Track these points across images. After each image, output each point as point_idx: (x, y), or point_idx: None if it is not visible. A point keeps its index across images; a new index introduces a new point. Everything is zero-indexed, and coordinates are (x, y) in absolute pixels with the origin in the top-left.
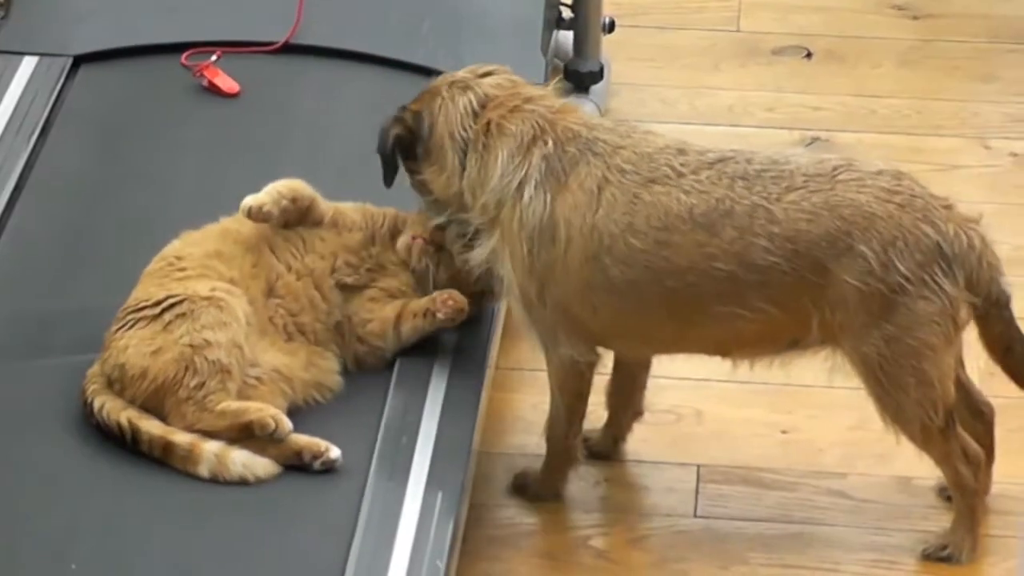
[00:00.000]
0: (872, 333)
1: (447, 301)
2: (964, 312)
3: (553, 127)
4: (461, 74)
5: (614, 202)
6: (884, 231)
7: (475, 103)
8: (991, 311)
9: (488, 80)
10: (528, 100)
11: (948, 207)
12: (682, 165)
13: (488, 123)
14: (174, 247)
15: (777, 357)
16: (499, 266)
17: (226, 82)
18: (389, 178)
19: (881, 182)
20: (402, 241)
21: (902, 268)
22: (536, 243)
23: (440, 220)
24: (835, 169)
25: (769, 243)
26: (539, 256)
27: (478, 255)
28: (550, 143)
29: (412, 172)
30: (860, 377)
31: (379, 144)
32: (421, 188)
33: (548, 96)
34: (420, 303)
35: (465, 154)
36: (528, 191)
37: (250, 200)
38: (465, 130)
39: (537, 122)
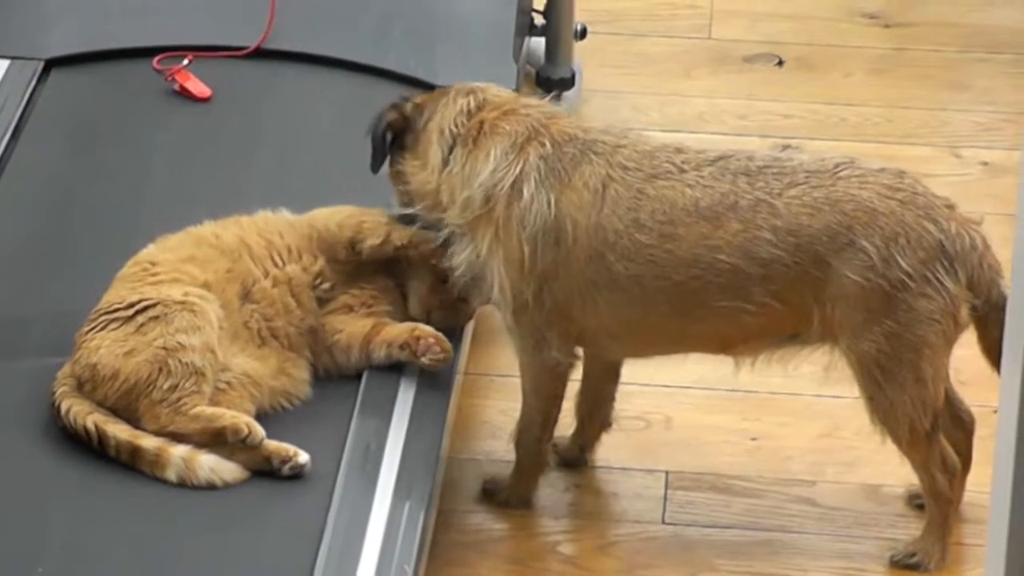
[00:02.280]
0: (872, 329)
1: (433, 347)
2: (964, 313)
3: (548, 129)
4: (474, 84)
5: (618, 199)
6: (886, 227)
7: (472, 104)
8: (991, 314)
9: (493, 88)
10: (525, 106)
11: (950, 207)
12: (683, 162)
13: (481, 122)
14: (149, 252)
15: (777, 351)
16: (486, 269)
17: (198, 86)
18: (377, 163)
19: (883, 179)
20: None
21: (904, 264)
22: (539, 244)
23: (407, 211)
24: (837, 166)
25: (772, 236)
26: (542, 257)
27: (460, 259)
28: (547, 144)
29: (395, 160)
30: (855, 375)
31: (372, 127)
32: (397, 178)
33: (544, 105)
34: (398, 333)
35: (451, 151)
36: (528, 190)
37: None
38: (456, 127)
39: (532, 124)
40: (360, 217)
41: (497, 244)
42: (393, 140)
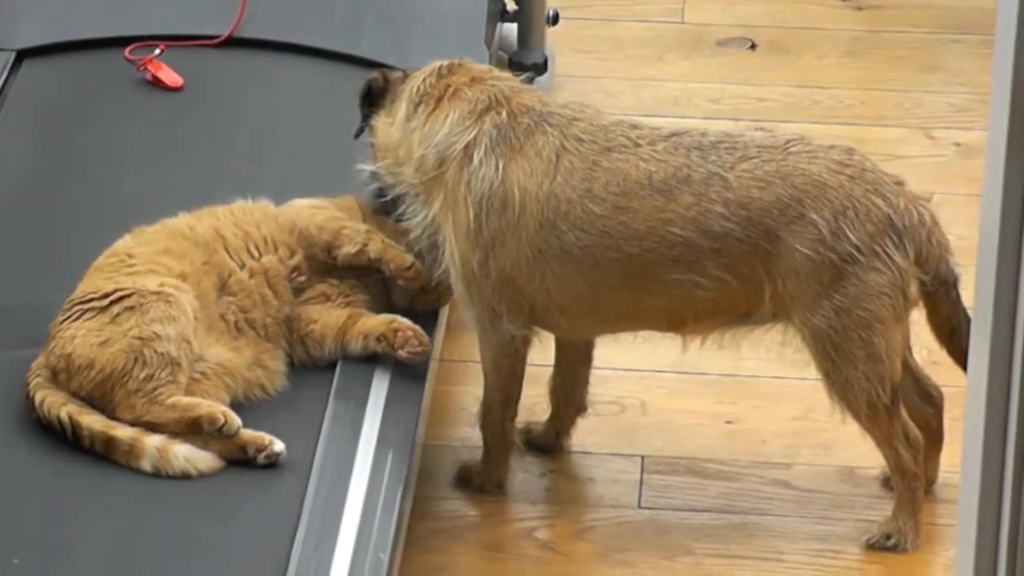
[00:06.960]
0: (822, 304)
1: (411, 339)
2: (914, 288)
3: (509, 101)
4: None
5: (572, 169)
6: (835, 200)
7: (446, 68)
8: (939, 290)
9: (473, 62)
10: (495, 77)
11: (899, 183)
12: (638, 137)
13: (447, 86)
14: (126, 244)
15: (728, 330)
16: (439, 234)
17: (170, 76)
18: (359, 127)
19: (833, 155)
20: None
21: (853, 238)
22: (485, 209)
23: (371, 167)
24: (788, 142)
25: (724, 209)
26: (487, 223)
27: (414, 223)
28: (504, 114)
29: (372, 117)
30: (809, 351)
31: (360, 90)
32: (371, 132)
33: (514, 79)
34: (375, 324)
35: (416, 108)
36: (477, 156)
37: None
38: (425, 86)
39: (494, 94)
40: (340, 221)
41: (447, 209)
42: (375, 101)
